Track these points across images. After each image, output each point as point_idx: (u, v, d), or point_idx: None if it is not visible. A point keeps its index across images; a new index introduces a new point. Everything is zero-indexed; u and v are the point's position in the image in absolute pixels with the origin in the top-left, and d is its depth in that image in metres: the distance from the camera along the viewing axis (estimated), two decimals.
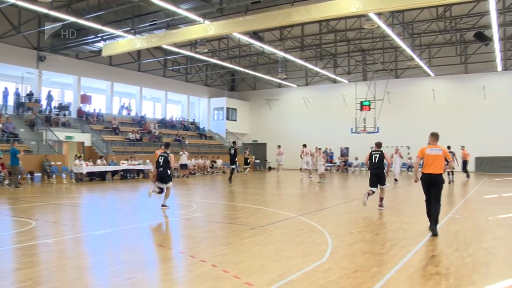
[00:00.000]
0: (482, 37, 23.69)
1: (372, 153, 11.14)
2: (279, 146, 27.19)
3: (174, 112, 35.65)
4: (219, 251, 6.34)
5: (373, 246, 6.65)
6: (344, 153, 32.95)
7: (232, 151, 19.05)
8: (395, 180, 20.57)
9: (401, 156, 23.12)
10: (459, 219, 9.36)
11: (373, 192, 10.80)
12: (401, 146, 29.37)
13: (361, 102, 28.08)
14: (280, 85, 37.19)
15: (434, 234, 7.51)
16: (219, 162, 28.95)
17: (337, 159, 32.61)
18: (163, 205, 10.60)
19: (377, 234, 7.55)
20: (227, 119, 36.63)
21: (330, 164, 32.58)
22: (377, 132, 27.68)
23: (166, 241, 7.23)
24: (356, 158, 31.48)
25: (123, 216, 9.93)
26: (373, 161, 11.06)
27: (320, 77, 35.11)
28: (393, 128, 31.04)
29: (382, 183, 11.04)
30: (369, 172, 11.14)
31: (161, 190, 10.74)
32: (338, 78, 33.26)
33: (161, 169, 10.70)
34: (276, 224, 8.59)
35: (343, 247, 6.54)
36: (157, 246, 6.80)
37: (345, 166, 31.19)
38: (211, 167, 27.69)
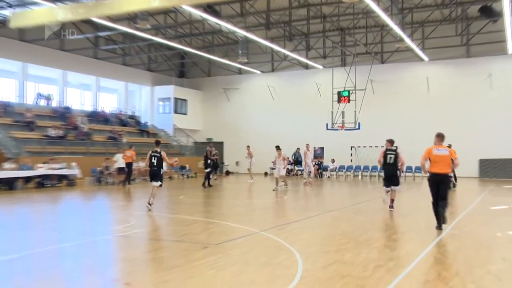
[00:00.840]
0: (489, 12, 22.62)
1: (387, 153, 12.74)
2: (248, 147, 27.62)
3: (108, 103, 35.16)
4: (163, 276, 6.14)
5: (354, 268, 6.57)
6: (318, 154, 33.35)
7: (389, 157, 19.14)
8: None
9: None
10: (459, 235, 9.33)
11: (389, 192, 12.89)
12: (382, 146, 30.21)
13: (339, 93, 28.45)
14: (240, 71, 37.29)
15: (440, 227, 9.05)
16: (164, 165, 28.59)
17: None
18: (150, 204, 12.82)
19: (359, 254, 7.53)
20: (175, 112, 36.48)
21: (301, 168, 33.02)
22: (358, 129, 28.22)
23: (95, 266, 6.93)
24: (333, 161, 32.02)
25: (39, 235, 9.48)
26: (388, 161, 12.72)
27: (290, 62, 35.46)
28: (378, 124, 31.80)
29: (396, 184, 12.85)
30: (383, 172, 13.27)
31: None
32: (311, 63, 33.69)
33: (155, 168, 13.14)
34: (235, 241, 8.64)
35: (316, 270, 6.44)
36: (82, 273, 6.49)
37: (319, 170, 31.58)
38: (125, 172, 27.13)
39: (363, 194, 20.08)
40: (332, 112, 28.96)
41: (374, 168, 30.77)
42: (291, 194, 19.19)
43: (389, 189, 12.87)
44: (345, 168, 31.82)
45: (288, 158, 24.28)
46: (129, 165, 22.88)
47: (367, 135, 31.49)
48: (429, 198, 9.82)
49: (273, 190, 19.74)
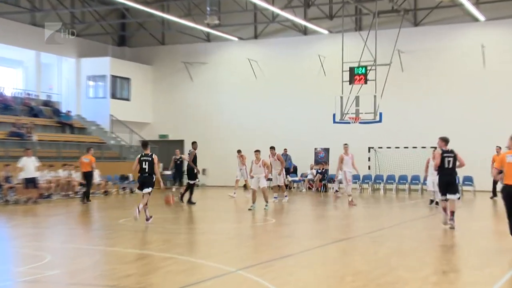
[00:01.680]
0: None
1: (444, 155, 14.52)
2: (239, 152, 27.90)
3: (10, 82, 34.75)
4: None
5: None
6: (321, 158, 33.47)
7: (448, 161, 19.67)
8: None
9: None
10: None
11: (447, 201, 14.50)
12: (419, 147, 30.29)
13: (352, 69, 28.47)
14: (209, 38, 37.30)
15: None
16: (96, 174, 28.38)
17: (308, 170, 33.10)
18: (138, 211, 15.35)
19: None
20: (113, 97, 36.40)
21: (297, 179, 33.01)
22: (379, 121, 28.34)
23: None
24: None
25: None
26: (446, 165, 14.53)
27: (280, 24, 35.50)
28: (408, 115, 31.98)
29: (454, 191, 14.60)
30: (437, 178, 15.11)
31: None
32: (311, 26, 33.70)
33: (147, 174, 15.72)
34: (200, 286, 8.62)
35: None
36: None
37: (323, 181, 31.69)
38: (82, 185, 27.04)
39: (387, 215, 20.15)
40: (341, 97, 28.96)
41: (403, 178, 30.96)
42: (281, 216, 19.15)
43: (445, 197, 14.60)
44: (360, 178, 31.93)
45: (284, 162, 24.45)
46: (88, 175, 24.05)
47: (393, 131, 31.50)
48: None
49: (250, 209, 20.21)
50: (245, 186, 28.76)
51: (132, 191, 29.84)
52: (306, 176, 32.77)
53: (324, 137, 33.34)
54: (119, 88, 36.88)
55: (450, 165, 14.50)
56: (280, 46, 35.74)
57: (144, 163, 15.76)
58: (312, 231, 15.92)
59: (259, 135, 34.08)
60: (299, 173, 33.51)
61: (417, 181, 30.00)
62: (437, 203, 21.34)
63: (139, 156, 15.97)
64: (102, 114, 35.89)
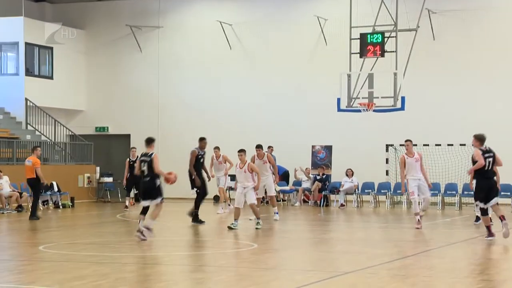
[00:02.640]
0: None
1: (486, 156, 16.41)
2: (217, 148, 27.43)
3: None
4: None
5: None
6: (321, 160, 33.49)
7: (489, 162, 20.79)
8: None
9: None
10: None
11: (486, 210, 16.62)
12: (456, 144, 30.41)
13: (364, 37, 28.63)
14: None
15: None
16: (5, 181, 28.25)
17: (303, 175, 33.09)
18: (147, 228, 17.10)
19: None
20: (28, 73, 36.33)
21: (287, 189, 33.00)
22: (402, 109, 28.42)
23: None
24: (351, 173, 32.14)
25: None
26: (487, 167, 16.55)
27: None
28: (440, 100, 32.33)
29: (495, 195, 16.91)
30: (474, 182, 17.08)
31: (143, 211, 17.35)
32: None
33: (147, 179, 17.07)
34: None
35: None
36: None
37: (323, 191, 31.72)
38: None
39: (412, 239, 20.18)
40: (348, 75, 29.09)
41: (434, 187, 30.85)
42: (266, 240, 19.29)
43: (488, 205, 16.90)
44: (375, 188, 31.98)
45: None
46: (33, 182, 24.31)
47: (420, 122, 31.68)
48: None
49: (230, 227, 20.71)
50: (216, 198, 28.83)
51: (57, 205, 29.69)
52: (300, 185, 32.78)
53: (325, 131, 33.44)
54: (37, 61, 36.79)
55: (490, 167, 16.85)
56: (264, 5, 35.92)
57: (143, 164, 17.35)
58: (308, 260, 15.80)
59: (235, 128, 34.17)
60: (290, 180, 33.57)
61: (454, 191, 30.12)
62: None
63: (139, 156, 18.00)
64: (13, 97, 35.72)
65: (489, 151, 17.00)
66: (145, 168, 17.11)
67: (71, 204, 30.63)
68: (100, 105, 38.10)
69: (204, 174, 23.43)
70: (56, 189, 30.29)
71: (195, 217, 22.69)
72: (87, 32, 38.33)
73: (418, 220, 21.27)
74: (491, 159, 16.81)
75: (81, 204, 32.05)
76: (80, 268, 14.09)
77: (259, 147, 23.94)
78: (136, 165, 18.03)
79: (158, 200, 17.24)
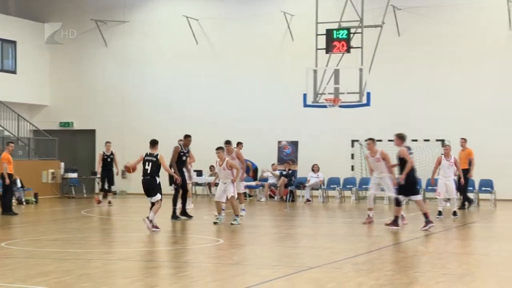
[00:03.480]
0: None
1: (410, 153, 16.90)
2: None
3: None
4: None
5: None
6: (287, 156, 33.52)
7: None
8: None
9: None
10: None
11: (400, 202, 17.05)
12: (420, 140, 30.59)
13: (330, 33, 28.56)
14: None
15: None
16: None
17: (267, 172, 33.12)
18: (154, 227, 18.81)
19: None
20: None
21: (253, 185, 32.99)
22: (367, 104, 28.49)
23: None
24: (316, 169, 32.18)
25: None
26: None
27: None
28: (405, 96, 32.57)
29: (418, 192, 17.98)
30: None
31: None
32: None
33: (148, 177, 18.89)
34: None
35: None
36: None
37: (289, 186, 31.83)
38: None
39: (376, 234, 20.28)
40: (315, 71, 29.08)
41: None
42: (232, 236, 19.29)
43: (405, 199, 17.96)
44: (341, 183, 32.10)
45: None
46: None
47: (385, 117, 31.82)
48: None
49: (216, 222, 21.19)
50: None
51: (20, 201, 29.45)
52: (267, 180, 32.80)
53: (291, 127, 33.48)
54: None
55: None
56: (230, 0, 35.94)
57: (147, 163, 18.95)
58: (274, 255, 15.85)
59: (202, 123, 34.07)
60: (258, 176, 33.62)
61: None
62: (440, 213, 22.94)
63: (143, 154, 19.20)
64: None
65: (410, 148, 18.57)
66: (149, 167, 18.81)
67: (34, 200, 30.41)
68: (64, 100, 37.89)
69: (186, 173, 23.50)
70: (19, 185, 30.03)
71: (173, 214, 22.81)
72: (50, 26, 37.87)
73: (369, 215, 21.80)
74: (413, 156, 18.71)
75: (45, 200, 31.89)
76: (43, 264, 13.99)
77: (228, 143, 23.95)
78: (134, 163, 19.48)
79: (158, 196, 18.85)
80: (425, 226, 19.03)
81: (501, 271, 12.99)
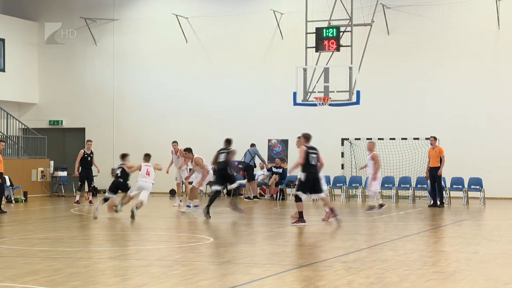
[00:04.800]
0: None
1: (310, 153, 17.98)
2: (175, 143, 28.01)
3: None
4: None
5: None
6: (278, 154, 33.51)
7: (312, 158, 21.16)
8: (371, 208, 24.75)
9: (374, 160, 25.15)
10: None
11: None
12: (410, 138, 30.62)
13: (319, 32, 28.55)
14: None
15: None
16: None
17: (259, 169, 33.12)
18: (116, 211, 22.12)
19: None
20: None
21: (244, 183, 33.01)
22: (357, 103, 28.52)
23: None
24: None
25: None
26: (312, 163, 19.49)
27: None
28: (395, 94, 32.63)
29: (321, 190, 20.10)
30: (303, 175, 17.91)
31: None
32: None
33: (121, 180, 23.11)
34: None
35: None
36: None
37: (280, 185, 31.98)
38: None
39: (366, 232, 20.33)
40: (304, 69, 29.07)
41: (388, 180, 31.20)
42: (222, 234, 19.39)
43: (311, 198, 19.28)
44: (331, 181, 32.11)
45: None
46: None
47: (374, 116, 31.88)
48: None
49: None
50: (172, 192, 28.78)
51: (10, 201, 29.40)
52: (257, 178, 32.78)
53: (282, 125, 33.47)
54: None
55: (315, 162, 19.67)
56: None
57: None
58: (264, 254, 15.84)
59: (191, 122, 34.05)
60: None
61: (408, 185, 30.43)
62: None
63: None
64: None
65: (314, 148, 19.86)
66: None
67: (24, 198, 30.27)
68: (54, 98, 37.79)
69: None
70: (8, 183, 29.92)
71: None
72: (39, 24, 37.96)
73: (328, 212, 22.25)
74: (315, 156, 19.72)
75: (35, 199, 31.81)
76: (32, 263, 13.96)
77: (187, 150, 25.22)
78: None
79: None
80: (326, 219, 20.95)
81: (490, 269, 13.04)
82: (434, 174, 26.84)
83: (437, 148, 27.11)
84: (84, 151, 27.98)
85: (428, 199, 28.53)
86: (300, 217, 20.04)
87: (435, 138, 27.32)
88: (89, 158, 27.89)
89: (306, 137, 20.02)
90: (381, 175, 26.88)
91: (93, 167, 28.99)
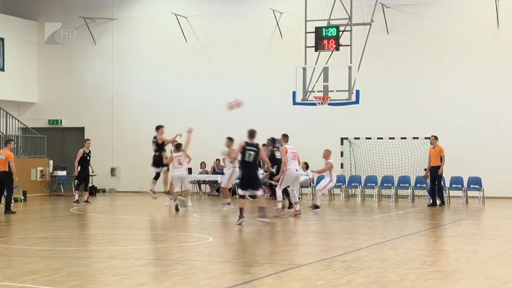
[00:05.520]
0: None
1: (247, 149, 18.73)
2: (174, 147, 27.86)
3: None
4: None
5: None
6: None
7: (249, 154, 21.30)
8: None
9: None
10: None
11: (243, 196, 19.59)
12: (409, 138, 30.62)
13: (319, 31, 28.54)
14: None
15: None
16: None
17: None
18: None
19: None
20: None
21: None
22: (356, 102, 28.52)
23: None
24: (305, 166, 32.19)
25: None
26: (247, 159, 20.10)
27: None
28: (394, 94, 32.65)
29: (258, 187, 20.42)
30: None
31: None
32: None
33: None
34: None
35: None
36: None
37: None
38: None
39: (366, 232, 20.29)
40: (304, 69, 29.11)
41: (387, 180, 31.21)
42: (221, 233, 19.45)
43: (244, 193, 19.86)
44: None
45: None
46: (5, 176, 23.77)
47: (374, 115, 31.89)
48: None
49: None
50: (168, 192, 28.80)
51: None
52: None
53: (281, 124, 33.37)
54: None
55: (252, 160, 19.82)
56: None
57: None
58: (263, 253, 15.86)
59: (191, 121, 33.93)
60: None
61: (407, 184, 30.43)
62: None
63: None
64: None
65: (253, 145, 20.12)
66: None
67: (23, 198, 30.23)
68: (53, 98, 37.77)
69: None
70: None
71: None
72: (39, 24, 37.93)
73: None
74: (253, 153, 19.87)
75: (34, 198, 31.79)
76: (32, 262, 13.96)
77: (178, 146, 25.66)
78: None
79: None
80: (260, 218, 20.56)
81: (490, 268, 13.03)
82: (434, 173, 26.84)
83: (438, 148, 27.10)
84: (84, 151, 27.87)
85: (428, 198, 28.51)
86: (240, 214, 20.12)
87: (435, 138, 27.28)
88: (88, 158, 27.81)
89: (249, 134, 20.54)
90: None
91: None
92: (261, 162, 26.70)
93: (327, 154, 25.89)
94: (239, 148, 20.30)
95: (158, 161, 25.48)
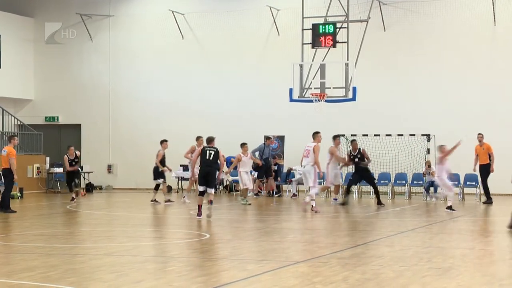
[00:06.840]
0: None
1: (207, 149, 20.43)
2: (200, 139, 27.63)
3: None
4: None
5: None
6: (274, 150, 33.40)
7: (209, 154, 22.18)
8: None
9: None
10: None
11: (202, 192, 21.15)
12: (406, 135, 30.68)
13: (315, 28, 28.61)
14: None
15: None
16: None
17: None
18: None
19: None
20: None
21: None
22: (353, 99, 28.53)
23: None
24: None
25: None
26: (208, 158, 21.07)
27: None
28: (391, 90, 32.65)
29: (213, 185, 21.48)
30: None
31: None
32: None
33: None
34: None
35: None
36: None
37: (276, 182, 31.77)
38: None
39: (362, 229, 20.32)
40: (301, 66, 29.13)
41: (384, 177, 31.23)
42: (218, 230, 19.38)
43: (202, 189, 20.84)
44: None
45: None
46: (7, 173, 23.51)
47: (371, 112, 31.90)
48: None
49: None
50: (169, 188, 28.85)
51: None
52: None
53: (278, 121, 33.46)
54: None
55: (211, 158, 20.90)
56: None
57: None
58: (260, 250, 15.82)
59: (187, 118, 34.04)
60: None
61: (404, 181, 30.45)
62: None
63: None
64: None
65: (211, 147, 21.24)
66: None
67: (20, 195, 30.15)
68: (49, 95, 37.75)
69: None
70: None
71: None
72: (35, 21, 37.94)
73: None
74: (212, 152, 21.01)
75: (31, 195, 31.80)
76: (28, 259, 13.96)
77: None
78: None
79: None
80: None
81: (486, 265, 13.10)
82: (484, 171, 26.95)
83: (485, 145, 27.20)
84: (68, 157, 27.50)
85: (424, 195, 28.55)
86: (198, 211, 20.80)
87: (482, 135, 27.46)
88: (73, 163, 27.42)
89: (207, 140, 21.94)
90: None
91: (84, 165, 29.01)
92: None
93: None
94: (199, 150, 22.39)
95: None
